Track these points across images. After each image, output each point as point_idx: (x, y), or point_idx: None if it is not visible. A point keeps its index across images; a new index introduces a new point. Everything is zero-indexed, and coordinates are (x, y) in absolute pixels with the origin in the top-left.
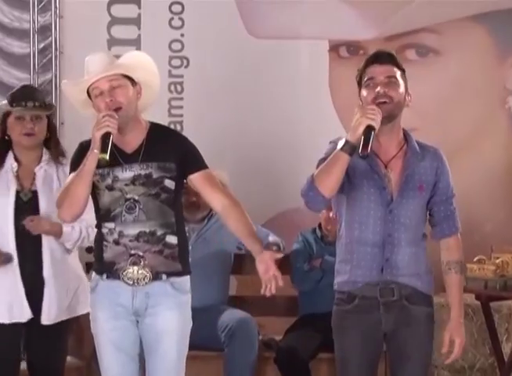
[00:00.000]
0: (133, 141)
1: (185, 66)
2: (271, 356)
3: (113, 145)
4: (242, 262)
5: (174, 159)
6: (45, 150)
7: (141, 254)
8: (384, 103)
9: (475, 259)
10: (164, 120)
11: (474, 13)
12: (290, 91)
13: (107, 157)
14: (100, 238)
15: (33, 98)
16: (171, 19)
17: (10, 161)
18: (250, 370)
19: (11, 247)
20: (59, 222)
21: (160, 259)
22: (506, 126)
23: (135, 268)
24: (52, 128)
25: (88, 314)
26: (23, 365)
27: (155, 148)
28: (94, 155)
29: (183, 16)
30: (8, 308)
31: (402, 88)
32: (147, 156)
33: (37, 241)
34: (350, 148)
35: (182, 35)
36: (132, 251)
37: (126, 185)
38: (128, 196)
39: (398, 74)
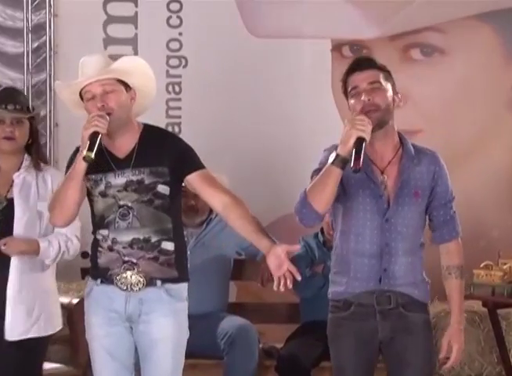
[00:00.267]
0: (125, 145)
1: (184, 66)
2: (272, 365)
3: (106, 150)
4: (242, 268)
5: (168, 162)
6: (26, 155)
7: (134, 261)
8: (372, 111)
9: (482, 265)
10: (161, 121)
11: (479, 12)
12: (291, 91)
13: (92, 155)
14: (95, 244)
15: (13, 100)
16: (169, 17)
17: None
18: None
19: None
20: (35, 238)
21: (154, 266)
22: None
23: (129, 273)
24: (34, 133)
25: (83, 322)
26: None
27: (147, 152)
28: (82, 156)
29: (181, 15)
30: None
31: (388, 92)
32: (139, 161)
33: (5, 256)
34: (341, 162)
35: (180, 34)
36: (126, 258)
37: (119, 191)
38: (121, 202)
39: (381, 76)
